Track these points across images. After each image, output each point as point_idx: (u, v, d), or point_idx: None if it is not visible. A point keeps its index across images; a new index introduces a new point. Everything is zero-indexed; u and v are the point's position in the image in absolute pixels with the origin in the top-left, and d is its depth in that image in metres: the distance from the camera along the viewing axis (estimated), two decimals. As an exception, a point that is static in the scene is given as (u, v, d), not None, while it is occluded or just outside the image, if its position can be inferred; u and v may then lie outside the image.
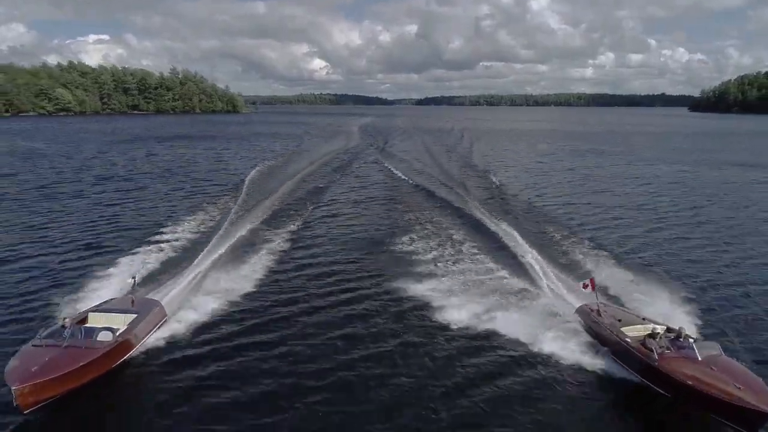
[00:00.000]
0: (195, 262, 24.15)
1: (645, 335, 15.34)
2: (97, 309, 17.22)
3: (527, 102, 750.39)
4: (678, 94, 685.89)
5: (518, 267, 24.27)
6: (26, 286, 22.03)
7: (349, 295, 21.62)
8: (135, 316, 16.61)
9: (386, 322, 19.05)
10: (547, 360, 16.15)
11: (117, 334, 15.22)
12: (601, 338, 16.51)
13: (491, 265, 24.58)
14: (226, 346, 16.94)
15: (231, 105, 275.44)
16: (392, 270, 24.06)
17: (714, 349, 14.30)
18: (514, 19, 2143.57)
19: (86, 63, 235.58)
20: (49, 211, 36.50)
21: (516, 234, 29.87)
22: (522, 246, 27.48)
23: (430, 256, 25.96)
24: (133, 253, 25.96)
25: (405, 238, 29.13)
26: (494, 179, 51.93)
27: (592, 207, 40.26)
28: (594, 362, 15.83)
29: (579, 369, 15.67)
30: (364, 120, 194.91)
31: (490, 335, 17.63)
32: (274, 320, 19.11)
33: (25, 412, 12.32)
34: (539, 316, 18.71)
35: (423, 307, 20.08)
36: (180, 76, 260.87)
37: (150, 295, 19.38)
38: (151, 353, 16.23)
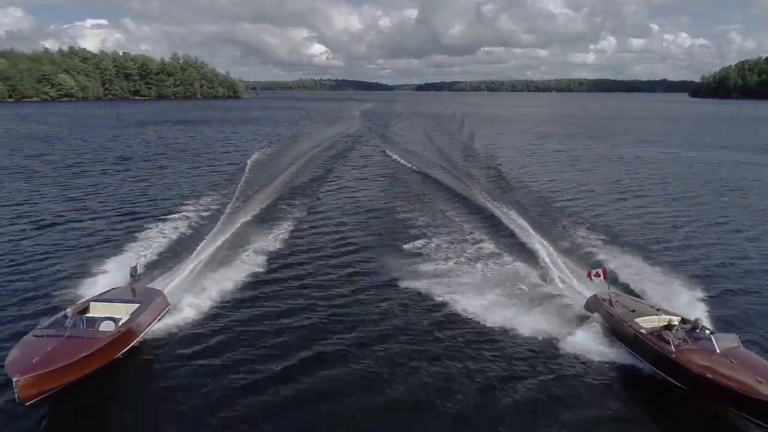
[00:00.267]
0: (197, 249, 23.74)
1: (661, 326, 15.12)
2: (99, 298, 17.00)
3: (528, 88, 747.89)
4: (680, 79, 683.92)
5: (526, 255, 23.80)
6: (26, 275, 21.70)
7: (354, 283, 21.37)
8: (137, 305, 16.33)
9: (391, 310, 18.85)
10: (557, 350, 15.88)
11: (119, 324, 14.98)
12: (615, 329, 16.17)
13: (497, 253, 24.25)
14: (229, 335, 16.80)
15: (232, 90, 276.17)
16: (396, 257, 23.87)
17: (732, 341, 13.98)
18: (515, 3, 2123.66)
19: (84, 48, 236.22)
20: (45, 199, 35.72)
21: (522, 220, 29.54)
22: (529, 233, 26.98)
23: (434, 243, 25.66)
24: (135, 241, 25.76)
25: (409, 225, 29.07)
26: (498, 165, 51.74)
27: (597, 194, 39.94)
28: (607, 353, 15.58)
29: (591, 359, 15.42)
30: (366, 105, 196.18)
31: (498, 326, 17.30)
32: (278, 307, 18.97)
33: (26, 404, 12.00)
34: (548, 305, 18.34)
35: (428, 297, 19.69)
36: (181, 62, 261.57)
37: (152, 284, 19.13)
38: (154, 343, 16.07)
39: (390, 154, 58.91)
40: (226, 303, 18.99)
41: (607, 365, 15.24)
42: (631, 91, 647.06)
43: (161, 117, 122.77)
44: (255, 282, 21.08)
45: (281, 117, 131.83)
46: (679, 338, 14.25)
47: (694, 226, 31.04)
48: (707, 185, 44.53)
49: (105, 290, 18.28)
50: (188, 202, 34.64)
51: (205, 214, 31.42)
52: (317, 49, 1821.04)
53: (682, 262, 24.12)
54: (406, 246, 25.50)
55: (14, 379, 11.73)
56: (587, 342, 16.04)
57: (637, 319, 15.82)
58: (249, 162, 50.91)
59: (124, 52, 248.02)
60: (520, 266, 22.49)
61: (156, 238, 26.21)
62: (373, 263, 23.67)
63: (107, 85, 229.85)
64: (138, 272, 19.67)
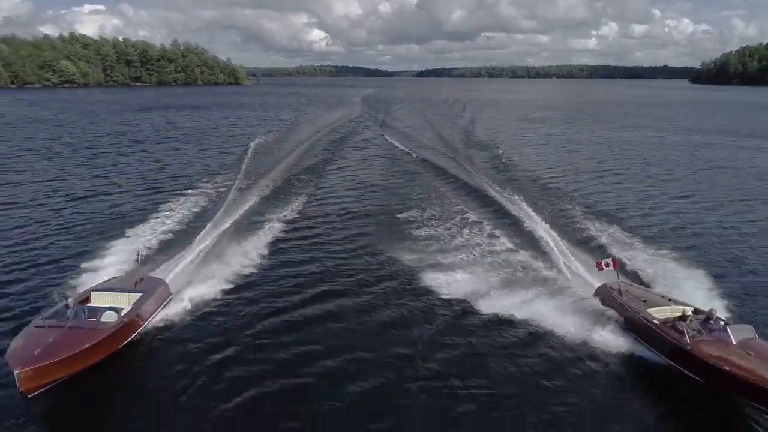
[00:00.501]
0: (199, 237, 23.35)
1: (675, 317, 14.88)
2: (101, 288, 16.77)
3: (528, 74, 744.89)
4: (681, 66, 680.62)
5: (531, 243, 23.30)
6: (26, 264, 21.23)
7: (360, 270, 21.04)
8: (139, 295, 16.12)
9: (398, 300, 18.41)
10: (565, 340, 15.60)
11: (122, 314, 14.81)
12: (626, 319, 15.90)
13: (502, 240, 23.75)
14: (233, 324, 16.54)
15: (233, 77, 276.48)
16: (398, 243, 23.59)
17: (747, 332, 13.71)
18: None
19: (84, 34, 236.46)
20: (43, 186, 35.19)
21: (527, 207, 28.93)
22: (534, 220, 26.43)
23: (439, 230, 25.36)
24: (136, 228, 25.28)
25: (412, 212, 28.60)
26: (499, 152, 51.25)
27: (604, 180, 39.44)
28: (617, 343, 15.27)
29: (601, 350, 15.13)
30: (366, 92, 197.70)
31: (506, 316, 16.95)
32: (283, 295, 18.64)
33: (28, 396, 11.83)
34: (556, 294, 17.97)
35: (434, 287, 19.16)
36: (182, 48, 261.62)
37: (154, 273, 18.84)
38: (156, 333, 15.84)
39: (389, 139, 59.90)
40: (229, 291, 18.65)
41: (617, 356, 14.96)
42: (633, 77, 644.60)
43: (166, 103, 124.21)
44: (257, 269, 20.75)
45: (283, 103, 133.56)
46: (694, 329, 14.01)
47: (702, 214, 30.41)
48: (718, 172, 43.54)
49: (106, 279, 18.08)
50: (192, 187, 34.37)
51: (209, 200, 31.00)
52: (317, 35, 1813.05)
53: (692, 250, 23.60)
54: (408, 231, 25.25)
55: (16, 372, 11.51)
56: (597, 332, 15.70)
57: (649, 310, 15.52)
58: (253, 145, 51.61)
59: (124, 39, 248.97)
60: (525, 253, 22.02)
61: (159, 225, 25.84)
62: (381, 254, 22.77)
63: (108, 72, 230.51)
64: (140, 260, 19.55)
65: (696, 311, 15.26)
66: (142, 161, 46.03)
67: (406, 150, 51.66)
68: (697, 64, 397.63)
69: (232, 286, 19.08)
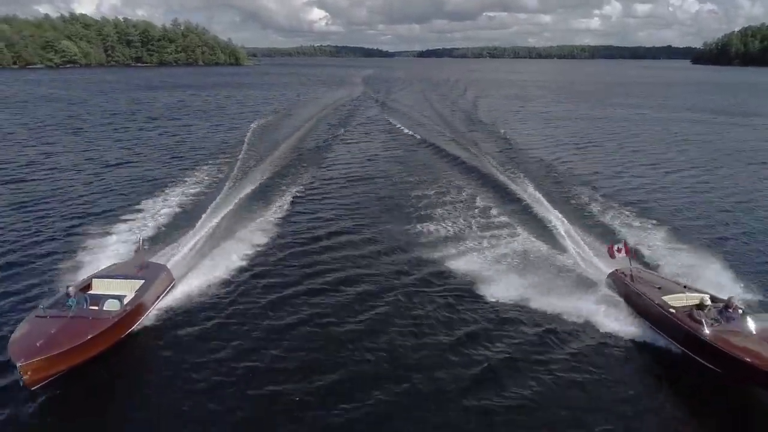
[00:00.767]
0: (201, 221, 22.64)
1: (692, 305, 14.35)
2: (102, 275, 16.31)
3: (530, 54, 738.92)
4: (685, 46, 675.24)
5: (539, 227, 22.72)
6: (24, 250, 20.60)
7: (367, 256, 20.56)
8: (142, 282, 15.71)
9: (403, 288, 17.84)
10: (577, 328, 15.20)
11: (125, 302, 14.52)
12: (640, 307, 15.40)
13: (510, 225, 23.23)
14: (237, 310, 16.13)
15: (234, 57, 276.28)
16: (404, 227, 23.30)
17: (767, 321, 13.29)
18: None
19: (84, 14, 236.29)
20: (42, 172, 33.71)
21: (534, 190, 28.26)
22: (543, 204, 25.70)
23: (445, 213, 25.05)
24: (137, 212, 24.72)
25: (415, 198, 27.98)
26: (503, 132, 50.49)
27: (613, 162, 38.74)
28: (631, 332, 14.85)
29: (613, 339, 14.72)
30: (367, 72, 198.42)
31: (513, 302, 16.59)
32: (288, 281, 18.18)
33: (32, 388, 11.66)
34: (567, 280, 17.61)
35: (442, 273, 18.81)
36: (182, 28, 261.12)
37: (155, 258, 18.39)
38: (159, 321, 15.48)
39: (390, 119, 60.78)
40: (232, 277, 18.19)
41: (631, 345, 14.52)
42: (635, 57, 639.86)
43: (169, 82, 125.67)
44: (261, 253, 20.32)
45: (284, 82, 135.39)
46: (712, 318, 13.51)
47: (717, 195, 29.64)
48: (731, 153, 42.69)
49: (107, 266, 17.63)
50: (194, 170, 33.76)
51: (211, 182, 30.41)
52: (317, 14, 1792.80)
53: (709, 235, 23.01)
54: (413, 216, 24.83)
55: (18, 365, 11.24)
56: (610, 320, 15.32)
57: (664, 297, 14.96)
58: (253, 126, 52.10)
59: (125, 19, 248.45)
60: (534, 239, 21.28)
61: (160, 209, 25.17)
62: (386, 240, 22.29)
63: (109, 52, 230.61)
64: (142, 246, 19.26)
65: (713, 299, 14.75)
66: (159, 135, 47.54)
67: (408, 132, 51.49)
68: (701, 45, 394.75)
69: (235, 271, 18.59)
